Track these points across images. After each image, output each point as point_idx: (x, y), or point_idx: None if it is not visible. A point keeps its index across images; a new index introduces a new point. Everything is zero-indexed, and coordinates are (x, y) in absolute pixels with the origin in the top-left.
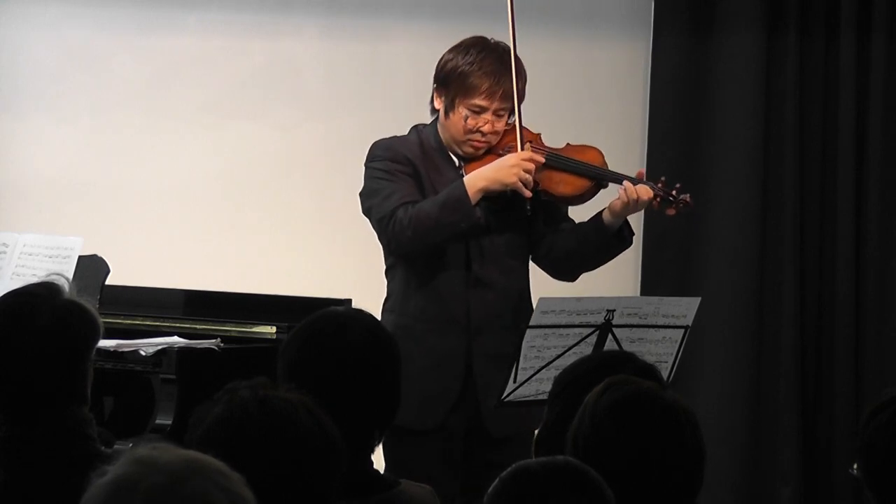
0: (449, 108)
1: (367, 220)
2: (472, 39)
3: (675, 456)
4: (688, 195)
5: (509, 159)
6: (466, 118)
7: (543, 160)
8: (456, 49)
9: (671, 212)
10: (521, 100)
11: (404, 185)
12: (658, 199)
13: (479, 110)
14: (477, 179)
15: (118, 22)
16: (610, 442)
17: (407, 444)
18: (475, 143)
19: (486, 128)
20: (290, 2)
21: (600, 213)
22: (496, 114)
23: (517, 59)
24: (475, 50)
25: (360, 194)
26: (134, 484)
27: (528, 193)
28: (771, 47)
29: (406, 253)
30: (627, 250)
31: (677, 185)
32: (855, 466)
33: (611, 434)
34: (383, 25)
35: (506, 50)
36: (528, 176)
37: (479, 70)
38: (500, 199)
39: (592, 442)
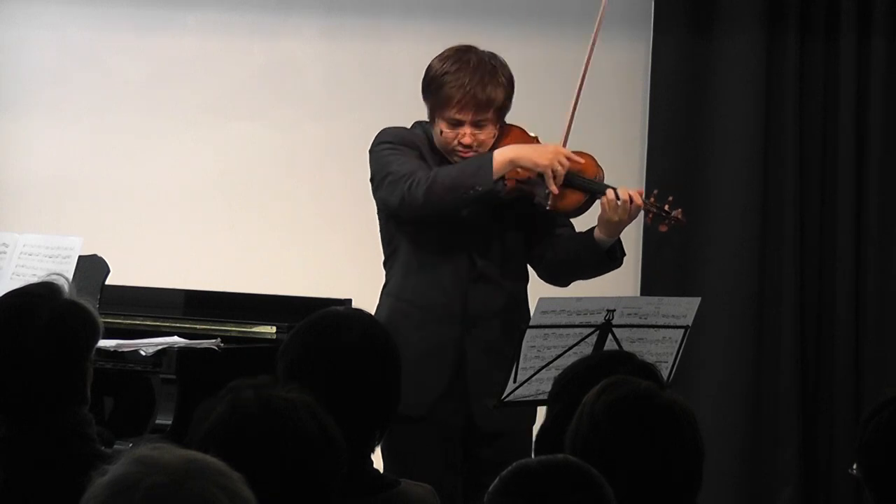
0: (431, 120)
1: (368, 220)
2: (455, 48)
3: (674, 455)
4: (679, 211)
5: (550, 146)
6: (442, 132)
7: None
8: (439, 57)
9: (663, 228)
10: (504, 106)
11: (416, 160)
12: (650, 215)
13: (456, 123)
14: (508, 151)
15: (118, 22)
16: (608, 442)
17: (400, 432)
18: (461, 155)
19: (465, 140)
20: (290, 2)
21: (592, 229)
22: (475, 125)
23: (498, 66)
24: (452, 60)
25: (371, 177)
26: (134, 483)
27: (554, 189)
28: (771, 47)
29: (415, 215)
30: (627, 250)
31: (669, 199)
32: (854, 466)
33: (609, 434)
34: (383, 25)
35: (481, 59)
36: (560, 168)
37: (452, 82)
38: (502, 200)
39: (591, 442)
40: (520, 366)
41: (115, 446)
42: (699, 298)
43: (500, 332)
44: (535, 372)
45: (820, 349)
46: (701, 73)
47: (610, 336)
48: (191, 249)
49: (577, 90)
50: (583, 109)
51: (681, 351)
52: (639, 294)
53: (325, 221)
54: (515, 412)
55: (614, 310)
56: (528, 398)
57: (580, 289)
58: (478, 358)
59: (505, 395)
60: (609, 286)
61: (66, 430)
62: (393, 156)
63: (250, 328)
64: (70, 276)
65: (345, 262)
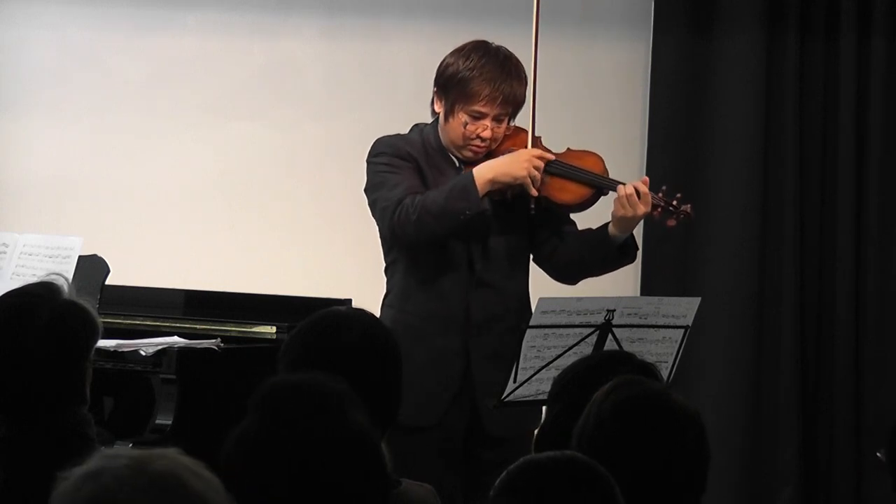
0: (448, 113)
1: (368, 220)
2: (474, 44)
3: (678, 456)
4: (689, 206)
5: (521, 154)
6: (466, 124)
7: (553, 157)
8: (457, 53)
9: (671, 223)
10: (523, 103)
11: (409, 178)
12: (659, 210)
13: (479, 116)
14: (486, 170)
15: (118, 22)
16: (613, 441)
17: (405, 442)
18: (474, 148)
19: (485, 133)
20: (290, 2)
21: (606, 224)
22: (496, 119)
23: (520, 63)
24: (476, 55)
25: (365, 190)
26: (100, 471)
27: (534, 192)
28: (771, 47)
29: (409, 243)
30: None
31: (678, 195)
32: (881, 451)
33: (614, 433)
34: (383, 25)
35: (507, 55)
36: (537, 173)
37: (480, 76)
38: (503, 202)
39: (595, 440)
40: (520, 366)
41: (114, 446)
42: (699, 298)
43: (505, 336)
44: (535, 372)
45: (820, 349)
46: (701, 73)
47: (610, 336)
48: (191, 249)
49: (531, 88)
50: (583, 109)
51: (681, 351)
52: (639, 294)
53: (325, 221)
54: (523, 416)
55: (614, 310)
56: (527, 398)
57: (581, 288)
58: (483, 364)
59: (505, 395)
60: (609, 286)
61: (66, 430)
62: (386, 174)
63: (250, 328)
64: (70, 276)
65: (345, 262)
